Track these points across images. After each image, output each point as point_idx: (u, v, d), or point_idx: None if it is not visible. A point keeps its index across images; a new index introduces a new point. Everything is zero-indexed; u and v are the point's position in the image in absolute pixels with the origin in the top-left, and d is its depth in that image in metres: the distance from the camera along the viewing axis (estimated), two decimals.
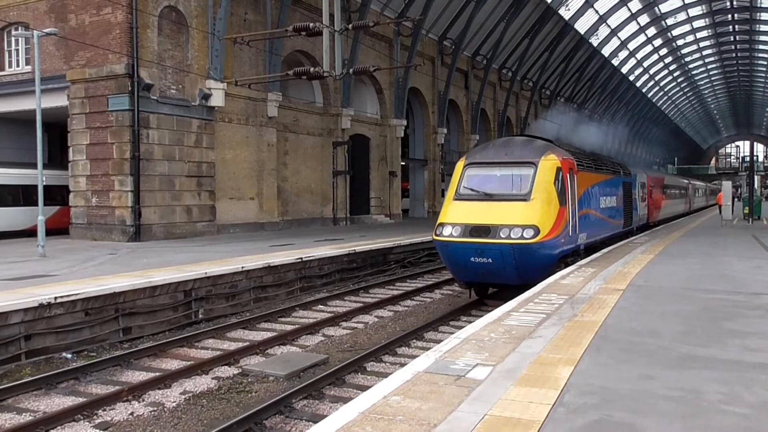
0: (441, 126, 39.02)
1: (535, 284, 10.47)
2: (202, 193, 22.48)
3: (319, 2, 21.29)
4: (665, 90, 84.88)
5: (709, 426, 4.25)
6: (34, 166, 16.77)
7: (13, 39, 23.32)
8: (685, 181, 42.55)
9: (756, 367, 5.55)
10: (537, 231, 11.61)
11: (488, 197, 12.30)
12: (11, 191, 22.59)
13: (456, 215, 12.38)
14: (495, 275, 12.26)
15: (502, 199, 12.23)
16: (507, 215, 11.90)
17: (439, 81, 38.41)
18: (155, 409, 7.50)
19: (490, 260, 11.81)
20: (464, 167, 13.07)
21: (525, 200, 12.03)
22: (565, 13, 46.98)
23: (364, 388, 7.43)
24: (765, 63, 73.34)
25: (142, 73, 20.10)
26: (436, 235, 12.45)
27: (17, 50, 23.51)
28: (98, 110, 20.48)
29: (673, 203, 32.96)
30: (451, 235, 12.15)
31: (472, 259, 11.93)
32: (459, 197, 12.68)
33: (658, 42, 65.32)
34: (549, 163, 12.51)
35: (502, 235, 11.64)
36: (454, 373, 5.39)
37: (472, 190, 12.57)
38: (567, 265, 13.11)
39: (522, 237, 11.56)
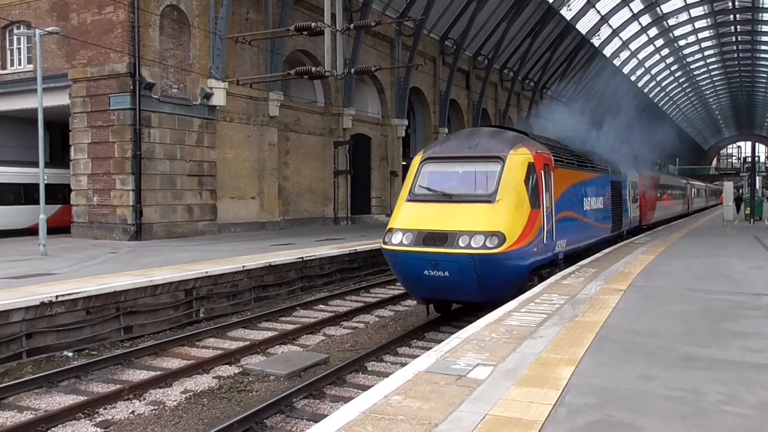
0: (442, 126, 38.99)
1: (503, 303, 8.75)
2: (203, 193, 22.50)
3: (320, 2, 21.32)
4: (667, 90, 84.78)
5: (710, 426, 4.25)
6: (35, 164, 16.82)
7: (15, 37, 23.38)
8: (683, 181, 41.75)
9: (757, 367, 5.56)
10: (503, 239, 9.81)
11: (447, 198, 10.52)
12: (13, 190, 22.64)
13: (408, 220, 10.57)
14: (453, 291, 10.39)
15: (463, 200, 10.44)
16: (468, 220, 10.09)
17: (441, 81, 38.39)
18: (156, 407, 7.50)
19: (446, 273, 9.98)
20: (421, 162, 11.27)
21: (489, 202, 10.23)
22: (567, 13, 46.93)
23: (365, 388, 7.43)
24: (767, 64, 73.31)
25: (144, 72, 20.11)
26: (384, 243, 10.59)
27: (19, 49, 23.57)
28: (100, 109, 20.52)
29: (669, 204, 32.13)
30: (401, 244, 10.29)
31: (426, 272, 10.10)
32: (413, 198, 10.85)
33: (659, 42, 65.26)
34: (519, 158, 10.69)
35: (461, 244, 9.83)
36: (455, 372, 5.40)
37: (428, 189, 10.77)
38: (542, 278, 11.27)
39: (485, 246, 9.75)
